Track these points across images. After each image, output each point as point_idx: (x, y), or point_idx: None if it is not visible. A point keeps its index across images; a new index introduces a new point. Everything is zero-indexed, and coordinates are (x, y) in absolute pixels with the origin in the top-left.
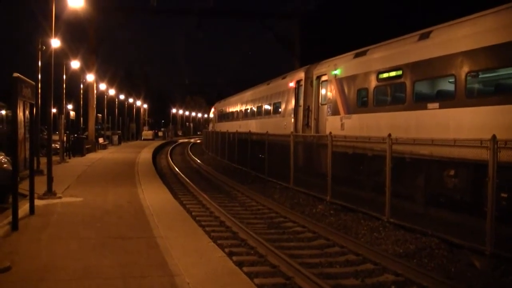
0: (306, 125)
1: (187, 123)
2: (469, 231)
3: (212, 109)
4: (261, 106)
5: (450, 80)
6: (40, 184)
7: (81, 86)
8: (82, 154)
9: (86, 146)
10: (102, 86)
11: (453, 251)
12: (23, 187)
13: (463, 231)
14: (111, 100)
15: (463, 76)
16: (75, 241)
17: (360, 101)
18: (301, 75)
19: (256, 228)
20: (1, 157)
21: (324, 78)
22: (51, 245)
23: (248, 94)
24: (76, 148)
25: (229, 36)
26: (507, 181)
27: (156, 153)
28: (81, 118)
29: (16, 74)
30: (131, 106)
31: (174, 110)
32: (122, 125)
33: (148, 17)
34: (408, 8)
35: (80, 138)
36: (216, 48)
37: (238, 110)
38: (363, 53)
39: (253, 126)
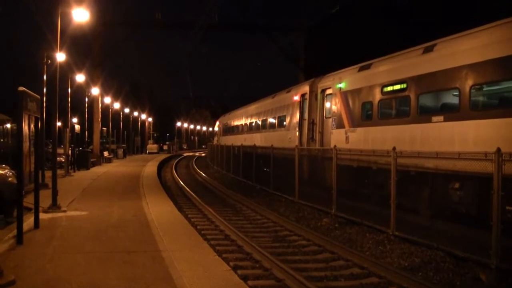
0: (311, 138)
1: (192, 137)
2: (475, 244)
3: (217, 123)
4: (266, 120)
5: (454, 93)
6: (45, 198)
7: (86, 99)
8: (87, 168)
9: (91, 160)
10: (107, 100)
11: (458, 265)
12: (28, 200)
13: (468, 244)
14: (116, 113)
15: (467, 89)
16: (80, 255)
17: (365, 114)
18: (305, 88)
19: (261, 241)
20: (6, 171)
21: (328, 91)
22: (56, 259)
23: (252, 107)
24: (81, 161)
25: (234, 50)
26: None
27: (161, 166)
28: (86, 132)
29: (21, 88)
30: (136, 119)
31: (179, 124)
32: (127, 138)
33: (153, 31)
34: (412, 21)
35: (85, 151)
36: (221, 61)
37: (243, 124)
38: (367, 67)
39: (258, 139)
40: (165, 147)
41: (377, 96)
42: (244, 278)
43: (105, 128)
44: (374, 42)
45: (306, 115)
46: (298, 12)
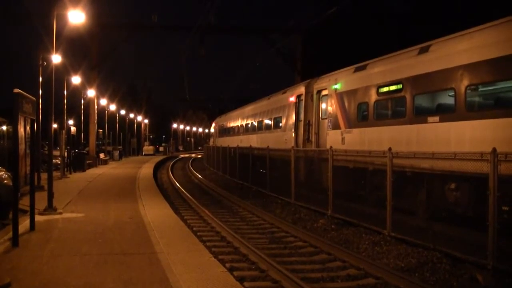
0: (307, 139)
1: (188, 138)
2: (471, 245)
3: (213, 124)
4: (262, 121)
5: (450, 94)
6: (41, 200)
7: (82, 101)
8: (83, 170)
9: (87, 162)
10: (103, 101)
11: (455, 265)
12: (24, 202)
13: (465, 245)
14: (112, 115)
15: (463, 90)
16: (76, 257)
17: (361, 115)
18: (301, 89)
19: (257, 243)
20: (2, 173)
21: (324, 92)
22: (52, 261)
23: (248, 109)
24: (77, 163)
25: (231, 52)
26: (509, 194)
27: (157, 168)
28: (82, 134)
29: (17, 90)
30: (132, 121)
31: (175, 125)
32: (123, 140)
33: (150, 33)
34: (408, 22)
35: (81, 153)
36: (219, 63)
37: (239, 125)
38: (363, 68)
39: (254, 141)
40: (161, 149)
41: (373, 97)
42: (241, 280)
43: (101, 130)
44: (371, 43)
45: (302, 116)
46: (295, 15)
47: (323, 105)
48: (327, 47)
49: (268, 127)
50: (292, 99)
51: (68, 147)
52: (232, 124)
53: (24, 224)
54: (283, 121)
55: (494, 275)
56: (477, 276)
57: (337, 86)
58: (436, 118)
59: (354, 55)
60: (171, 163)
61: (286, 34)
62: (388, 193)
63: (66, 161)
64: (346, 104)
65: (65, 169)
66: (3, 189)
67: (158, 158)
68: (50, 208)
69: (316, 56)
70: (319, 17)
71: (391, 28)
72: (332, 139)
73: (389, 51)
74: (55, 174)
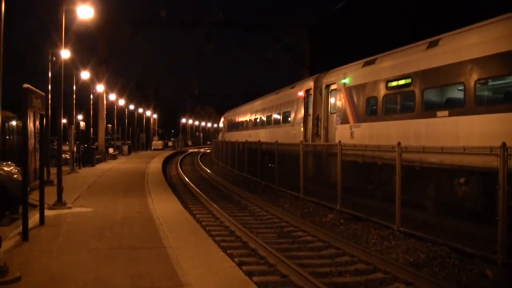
0: (316, 134)
1: (197, 133)
2: (481, 240)
3: (222, 119)
4: (271, 116)
5: (459, 88)
6: (50, 195)
7: (91, 96)
8: (92, 164)
9: (96, 156)
10: (112, 97)
11: (464, 260)
12: (33, 197)
13: (474, 240)
14: (121, 110)
15: (472, 84)
16: (85, 252)
17: (370, 109)
18: (310, 84)
19: (266, 237)
20: (12, 168)
21: (333, 87)
22: (61, 255)
23: (257, 103)
24: (86, 158)
25: (238, 47)
26: None
27: (166, 163)
28: (91, 128)
29: (26, 85)
30: (141, 116)
31: (184, 120)
32: (132, 135)
33: (158, 29)
34: (415, 17)
35: (90, 148)
36: (226, 59)
37: (248, 120)
38: (372, 62)
39: (262, 135)
40: (170, 144)
41: (382, 91)
42: (249, 274)
43: (110, 125)
44: (378, 38)
45: (310, 111)
46: (301, 10)
47: (332, 100)
48: (333, 42)
49: (276, 121)
50: (301, 93)
51: (77, 142)
52: (241, 119)
53: (33, 218)
54: (292, 115)
55: (503, 270)
56: (487, 271)
57: (346, 81)
58: (445, 113)
59: (361, 50)
60: (180, 158)
61: (292, 30)
62: (397, 187)
63: (75, 156)
64: (355, 98)
65: (74, 164)
66: (13, 183)
67: (167, 152)
68: (60, 202)
69: (323, 50)
70: (325, 13)
71: (399, 23)
72: (341, 133)
73: (397, 45)
74: (64, 169)
